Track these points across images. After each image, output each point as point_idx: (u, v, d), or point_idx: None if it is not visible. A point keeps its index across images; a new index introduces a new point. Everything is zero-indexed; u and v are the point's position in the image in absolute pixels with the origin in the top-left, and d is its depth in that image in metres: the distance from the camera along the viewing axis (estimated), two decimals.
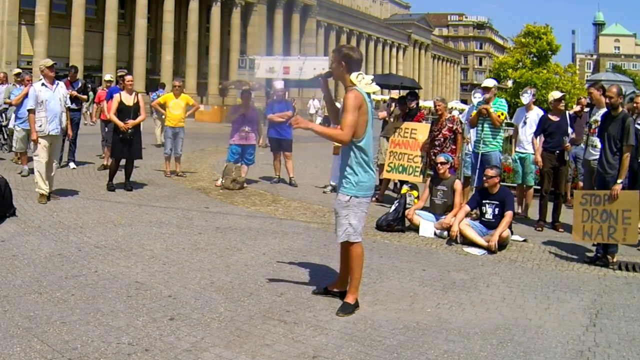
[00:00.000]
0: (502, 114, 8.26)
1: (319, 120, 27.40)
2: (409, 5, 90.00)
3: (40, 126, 7.80)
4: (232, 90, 40.00)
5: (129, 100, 9.21)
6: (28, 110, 7.99)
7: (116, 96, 9.30)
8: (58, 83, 8.15)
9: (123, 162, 9.35)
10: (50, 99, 7.88)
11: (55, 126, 7.91)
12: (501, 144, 8.63)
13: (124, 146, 9.15)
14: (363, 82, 4.49)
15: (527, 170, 8.53)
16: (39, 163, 7.85)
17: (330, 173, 10.35)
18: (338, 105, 4.90)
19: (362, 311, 4.45)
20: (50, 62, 8.09)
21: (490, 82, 8.29)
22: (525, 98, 8.73)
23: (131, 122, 9.10)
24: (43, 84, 7.93)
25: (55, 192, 8.33)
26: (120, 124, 9.01)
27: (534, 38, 37.64)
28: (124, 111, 9.13)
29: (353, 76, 4.42)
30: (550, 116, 8.12)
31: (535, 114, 8.53)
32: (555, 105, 8.19)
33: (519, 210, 8.66)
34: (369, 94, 4.55)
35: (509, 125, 10.32)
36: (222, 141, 12.92)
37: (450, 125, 8.29)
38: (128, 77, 9.55)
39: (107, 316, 4.10)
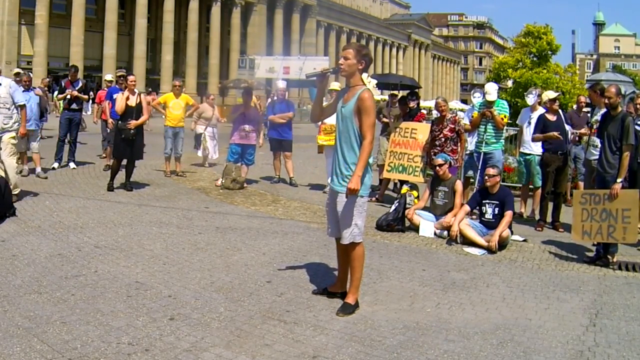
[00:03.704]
0: (505, 116, 8.31)
1: None
2: (409, 5, 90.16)
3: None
4: (232, 90, 40.07)
5: (131, 100, 9.19)
6: (20, 106, 7.93)
7: (125, 94, 9.21)
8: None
9: (124, 162, 9.34)
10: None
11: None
12: (503, 143, 8.67)
13: (125, 146, 9.13)
14: (369, 85, 4.54)
15: (533, 172, 8.50)
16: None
17: (326, 172, 10.35)
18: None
19: (362, 311, 4.45)
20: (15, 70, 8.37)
21: (493, 95, 8.21)
22: (531, 99, 8.71)
23: (134, 123, 9.08)
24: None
25: (55, 192, 8.33)
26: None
27: (534, 38, 37.56)
28: (127, 112, 9.11)
29: (364, 76, 4.46)
30: (547, 116, 8.11)
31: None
32: (551, 105, 8.20)
33: (522, 210, 8.65)
34: None
35: (510, 125, 10.34)
36: (222, 141, 12.91)
37: (452, 126, 8.28)
38: (131, 77, 9.52)
39: (107, 316, 4.10)
